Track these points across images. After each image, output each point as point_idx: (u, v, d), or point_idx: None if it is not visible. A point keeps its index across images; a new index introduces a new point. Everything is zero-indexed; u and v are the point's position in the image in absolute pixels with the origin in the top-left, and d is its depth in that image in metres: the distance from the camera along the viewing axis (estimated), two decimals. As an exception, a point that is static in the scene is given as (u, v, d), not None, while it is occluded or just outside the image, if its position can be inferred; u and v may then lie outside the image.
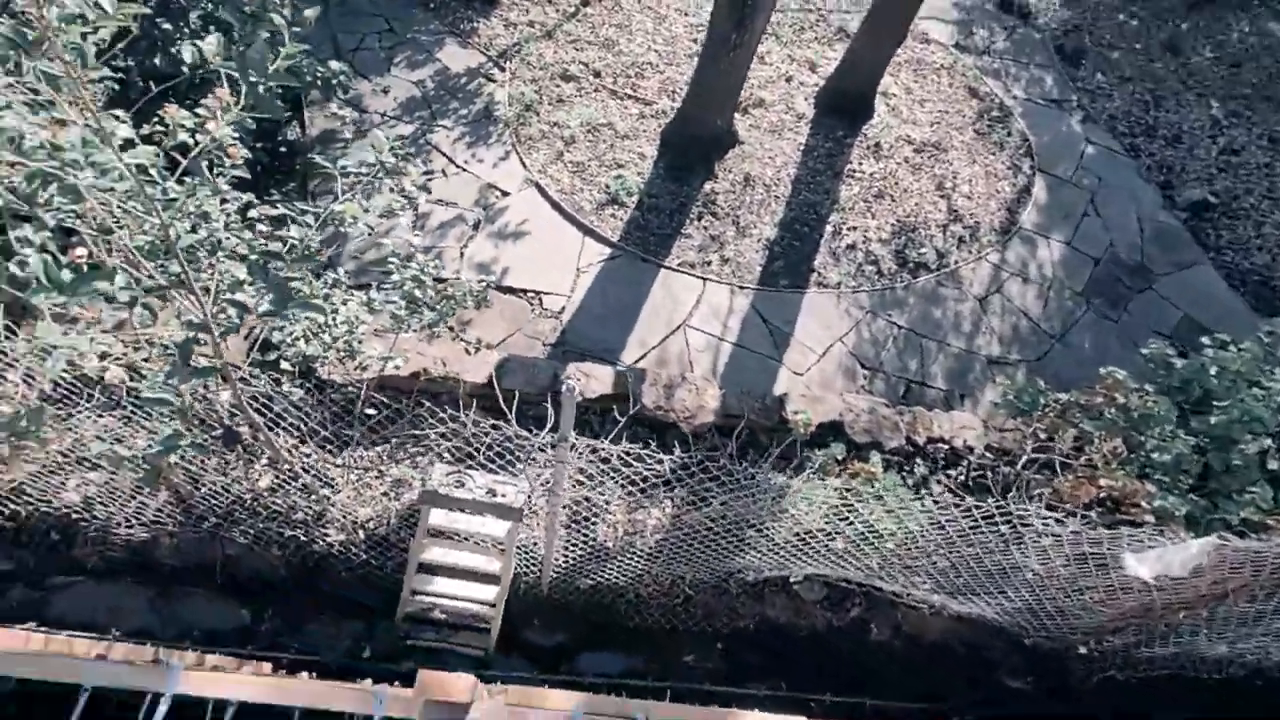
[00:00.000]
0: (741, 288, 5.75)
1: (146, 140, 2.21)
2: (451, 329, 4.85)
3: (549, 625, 4.06)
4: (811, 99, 7.08)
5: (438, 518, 3.06)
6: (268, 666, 2.66)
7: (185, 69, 1.66)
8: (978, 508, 2.69)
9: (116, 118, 2.21)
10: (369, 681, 2.12)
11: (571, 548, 3.68)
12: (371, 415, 3.69)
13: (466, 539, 3.26)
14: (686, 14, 7.83)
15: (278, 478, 3.69)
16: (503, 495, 2.71)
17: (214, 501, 3.67)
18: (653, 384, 4.40)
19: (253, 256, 2.29)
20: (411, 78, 6.85)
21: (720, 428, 4.41)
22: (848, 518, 3.41)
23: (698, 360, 5.34)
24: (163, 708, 1.70)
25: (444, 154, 6.30)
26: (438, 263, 5.12)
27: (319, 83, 4.88)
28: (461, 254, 5.67)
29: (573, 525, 3.66)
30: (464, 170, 6.19)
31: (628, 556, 3.78)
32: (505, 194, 6.11)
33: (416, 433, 3.59)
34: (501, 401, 2.83)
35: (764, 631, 3.98)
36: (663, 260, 5.83)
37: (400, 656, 3.89)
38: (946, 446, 4.23)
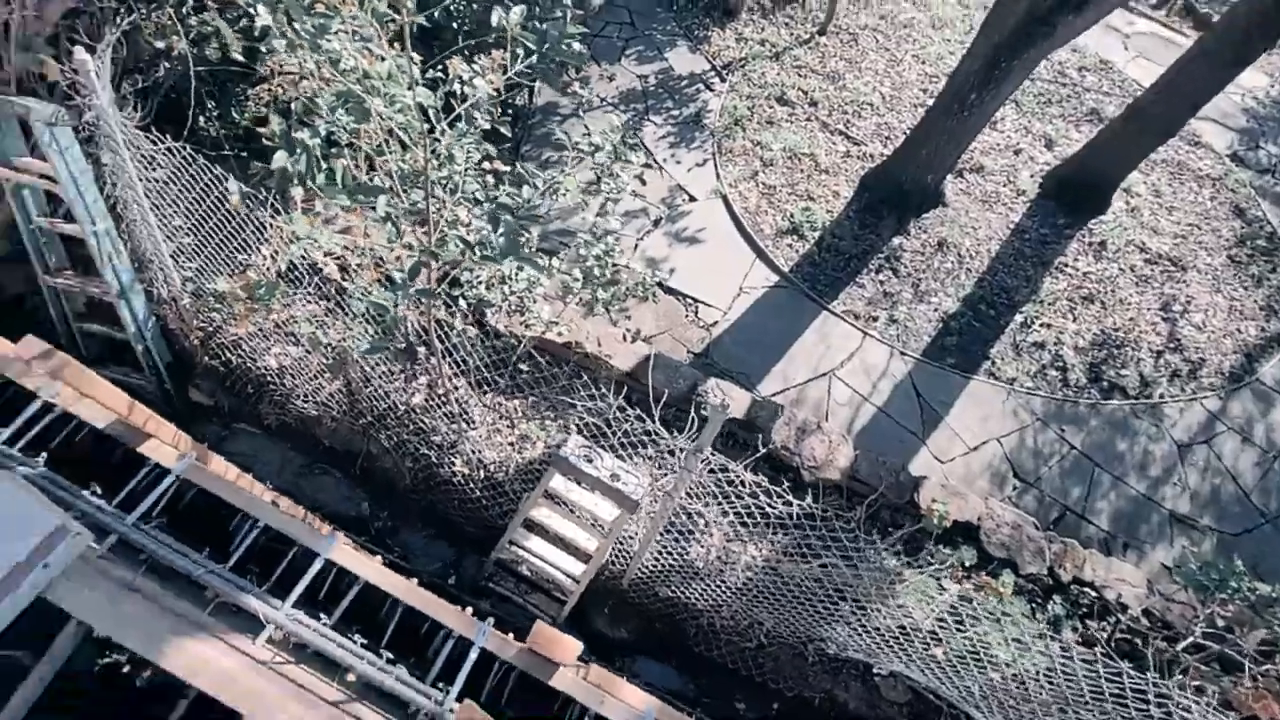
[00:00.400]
0: (903, 353, 5.44)
1: (430, 85, 2.51)
2: (607, 310, 5.04)
3: (618, 619, 4.11)
4: (1038, 177, 6.52)
5: (558, 484, 3.20)
6: (378, 559, 2.93)
7: (490, 31, 1.87)
8: (1130, 675, 2.34)
9: (411, 59, 2.53)
10: (469, 610, 2.26)
11: (663, 555, 3.69)
12: (523, 371, 3.93)
13: (575, 511, 3.38)
14: (924, 63, 7.52)
15: (429, 399, 4.05)
16: (624, 483, 2.78)
17: (374, 402, 4.10)
18: (786, 422, 4.29)
19: (487, 205, 2.53)
20: (637, 70, 7.19)
21: (842, 487, 4.21)
22: (959, 629, 3.12)
23: (835, 412, 5.13)
24: (316, 565, 1.93)
25: (647, 148, 6.54)
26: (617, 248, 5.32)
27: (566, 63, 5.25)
28: (636, 245, 5.86)
29: (671, 533, 3.67)
30: (660, 168, 6.39)
31: (713, 583, 3.72)
32: (692, 199, 6.23)
33: (566, 399, 3.77)
34: (651, 398, 2.90)
35: (829, 711, 3.76)
36: (828, 303, 5.66)
37: (479, 593, 4.13)
38: (1095, 594, 3.74)
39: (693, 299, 5.57)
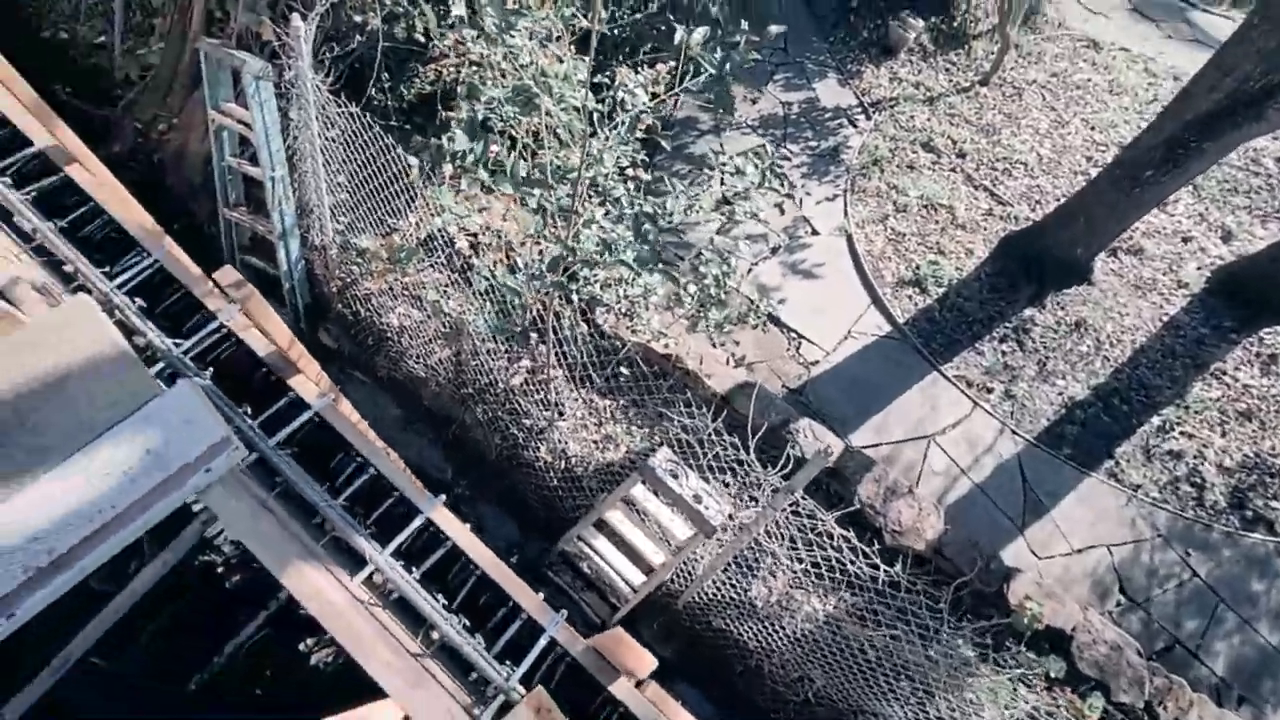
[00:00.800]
0: (1015, 433, 5.07)
1: (595, 88, 2.61)
2: (713, 329, 5.04)
3: (665, 638, 4.07)
4: (1206, 271, 5.90)
5: (638, 492, 3.22)
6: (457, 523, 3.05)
7: (666, 44, 1.92)
8: None
9: (584, 62, 2.65)
10: (542, 597, 2.31)
11: (725, 586, 3.63)
12: (621, 374, 3.99)
13: (647, 521, 3.39)
14: (1094, 129, 7.01)
15: (528, 383, 4.19)
16: (706, 507, 2.76)
17: (477, 376, 4.30)
18: (875, 479, 4.11)
19: (629, 210, 2.60)
20: (782, 96, 7.15)
21: (925, 560, 3.98)
22: (1031, 744, 2.86)
23: (929, 479, 4.85)
24: (417, 521, 2.05)
25: (784, 176, 6.48)
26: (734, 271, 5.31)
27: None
28: (750, 269, 5.81)
29: (736, 566, 3.60)
30: (788, 197, 6.31)
31: (770, 626, 3.61)
32: (815, 233, 6.11)
33: (660, 409, 3.80)
34: (750, 428, 2.86)
35: (865, 789, 3.55)
36: (940, 364, 5.37)
37: (537, 579, 4.22)
38: (1199, 745, 3.31)
39: (797, 333, 5.45)
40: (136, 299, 2.13)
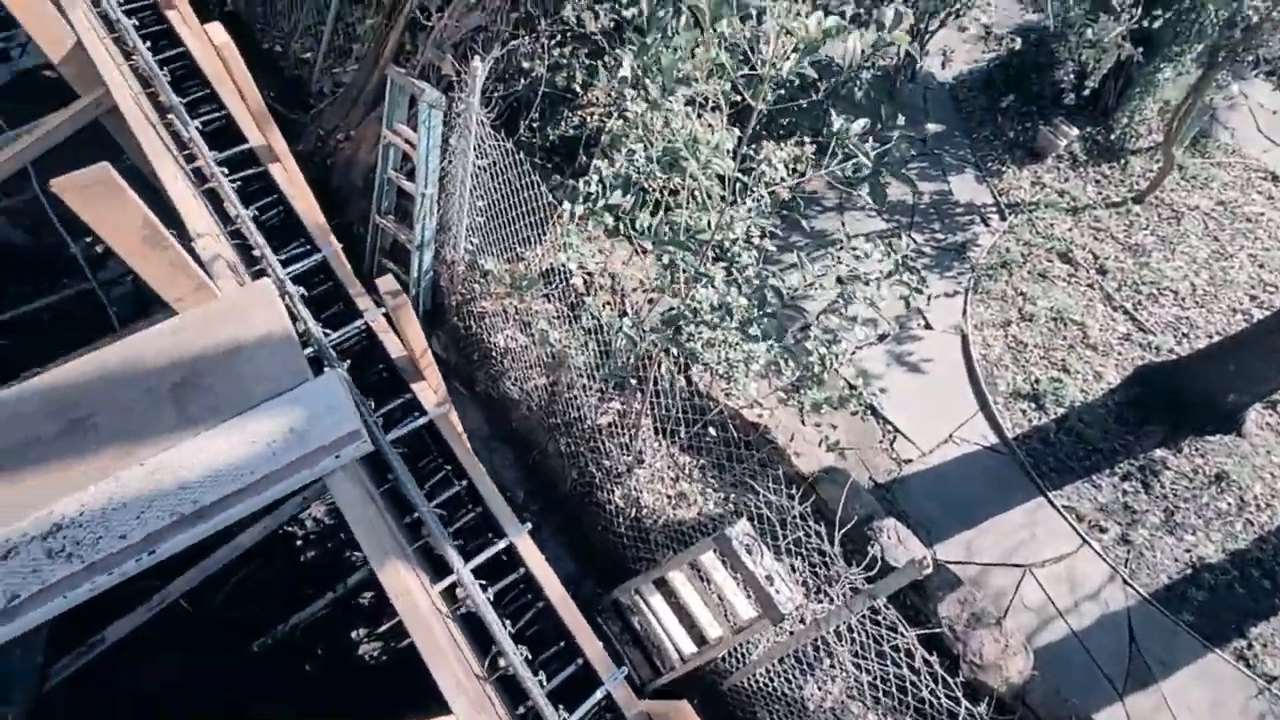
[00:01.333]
0: (1128, 583, 4.55)
1: (738, 156, 2.70)
2: (811, 408, 4.93)
3: (706, 713, 3.88)
4: (1387, 446, 5.15)
5: (707, 559, 3.15)
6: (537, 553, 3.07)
7: (827, 133, 1.99)
8: None
9: (737, 135, 2.75)
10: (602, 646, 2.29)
11: (777, 677, 3.43)
12: (708, 434, 3.96)
13: (711, 589, 3.29)
14: (1263, 266, 6.41)
15: (614, 425, 4.25)
16: (778, 590, 2.65)
17: (568, 408, 4.41)
18: (960, 601, 3.80)
19: (754, 278, 2.64)
20: (915, 182, 7.06)
21: (1002, 703, 3.59)
22: None
23: (1018, 613, 4.42)
24: (502, 544, 2.11)
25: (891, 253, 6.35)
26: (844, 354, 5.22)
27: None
28: (853, 352, 5.67)
29: (794, 660, 3.41)
30: (918, 292, 6.12)
31: (819, 733, 3.36)
32: (928, 327, 5.89)
33: (743, 477, 3.74)
34: (838, 522, 2.74)
35: None
36: (1049, 489, 4.95)
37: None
38: None
39: (894, 426, 5.22)
40: (300, 286, 2.38)
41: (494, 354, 4.85)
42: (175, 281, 1.67)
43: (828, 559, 2.64)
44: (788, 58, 1.76)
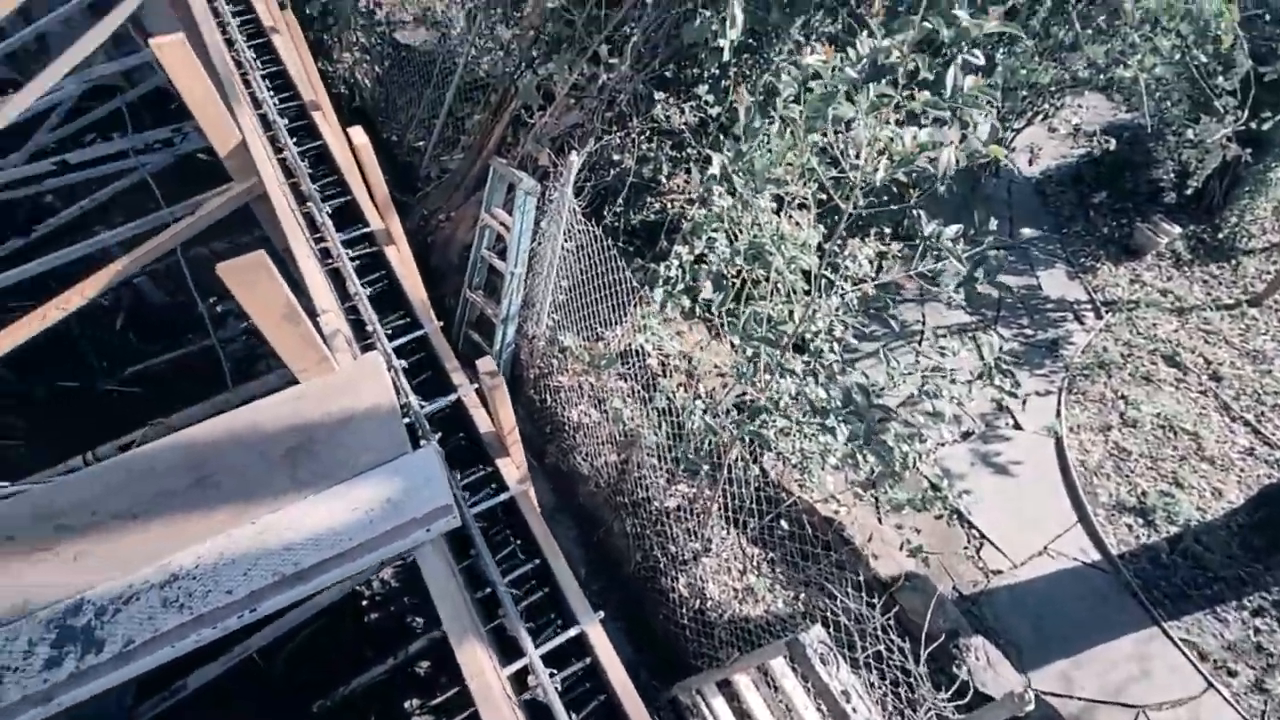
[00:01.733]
0: (1268, 740, 3.92)
1: (825, 253, 2.75)
2: (886, 506, 4.70)
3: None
4: None
5: (777, 665, 2.97)
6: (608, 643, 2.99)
7: (919, 236, 2.02)
8: None
9: (822, 232, 2.82)
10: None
11: (849, 807, 3.10)
12: (780, 527, 3.83)
13: (780, 701, 3.08)
14: None
15: (681, 509, 4.18)
16: (854, 709, 2.45)
17: (636, 488, 4.39)
18: (1061, 741, 3.37)
19: (836, 371, 2.62)
20: (1000, 278, 6.88)
21: None
22: None
23: (1132, 763, 3.87)
24: (572, 632, 2.09)
25: (981, 355, 6.11)
26: (928, 452, 5.01)
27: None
28: (934, 449, 5.41)
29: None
30: (1012, 395, 5.86)
31: None
32: (1017, 427, 5.57)
33: (821, 582, 3.57)
34: (924, 639, 2.54)
35: None
36: (1164, 619, 4.42)
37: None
38: None
39: (980, 534, 4.87)
40: (402, 360, 2.55)
41: (567, 428, 4.94)
42: (303, 354, 1.84)
43: (912, 679, 2.43)
44: (879, 168, 1.82)
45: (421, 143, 8.30)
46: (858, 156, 2.11)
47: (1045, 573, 4.70)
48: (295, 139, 3.40)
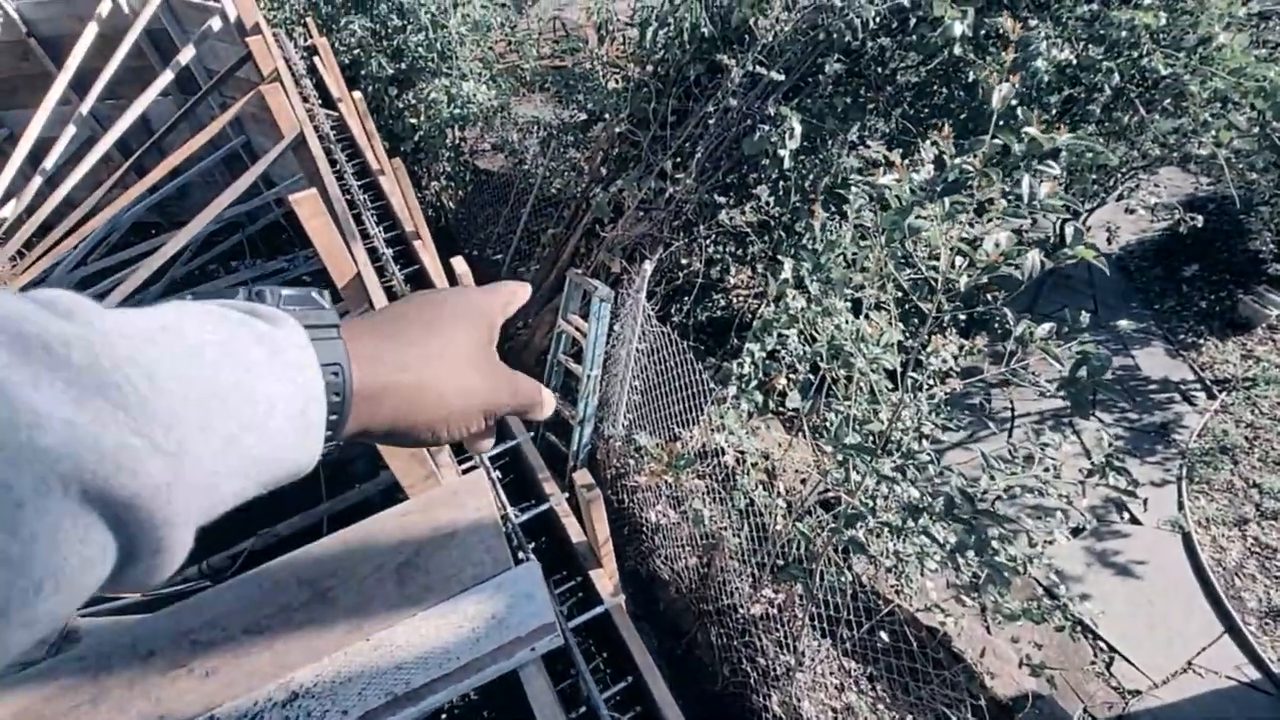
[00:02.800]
0: None
1: (904, 360, 2.74)
2: (983, 607, 4.31)
3: None
4: None
5: (891, 801, 2.67)
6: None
7: (1009, 340, 2.00)
8: None
9: (900, 327, 2.82)
10: None
11: None
12: (880, 638, 3.57)
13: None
14: None
15: (768, 616, 3.98)
16: None
17: (720, 594, 4.23)
18: None
19: (937, 479, 2.53)
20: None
21: None
22: None
23: None
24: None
25: (1083, 443, 5.72)
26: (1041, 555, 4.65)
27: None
28: (1043, 549, 4.97)
29: None
30: (1130, 495, 5.46)
31: None
32: (1134, 521, 5.09)
33: (939, 705, 3.26)
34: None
35: None
36: (1357, 754, 3.73)
37: None
38: None
39: (1109, 648, 4.35)
40: (497, 470, 2.66)
41: (644, 530, 4.88)
42: (411, 470, 1.95)
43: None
44: (962, 274, 1.85)
45: (499, 256, 8.97)
46: (936, 259, 2.14)
47: (1194, 693, 4.11)
48: (399, 264, 3.77)
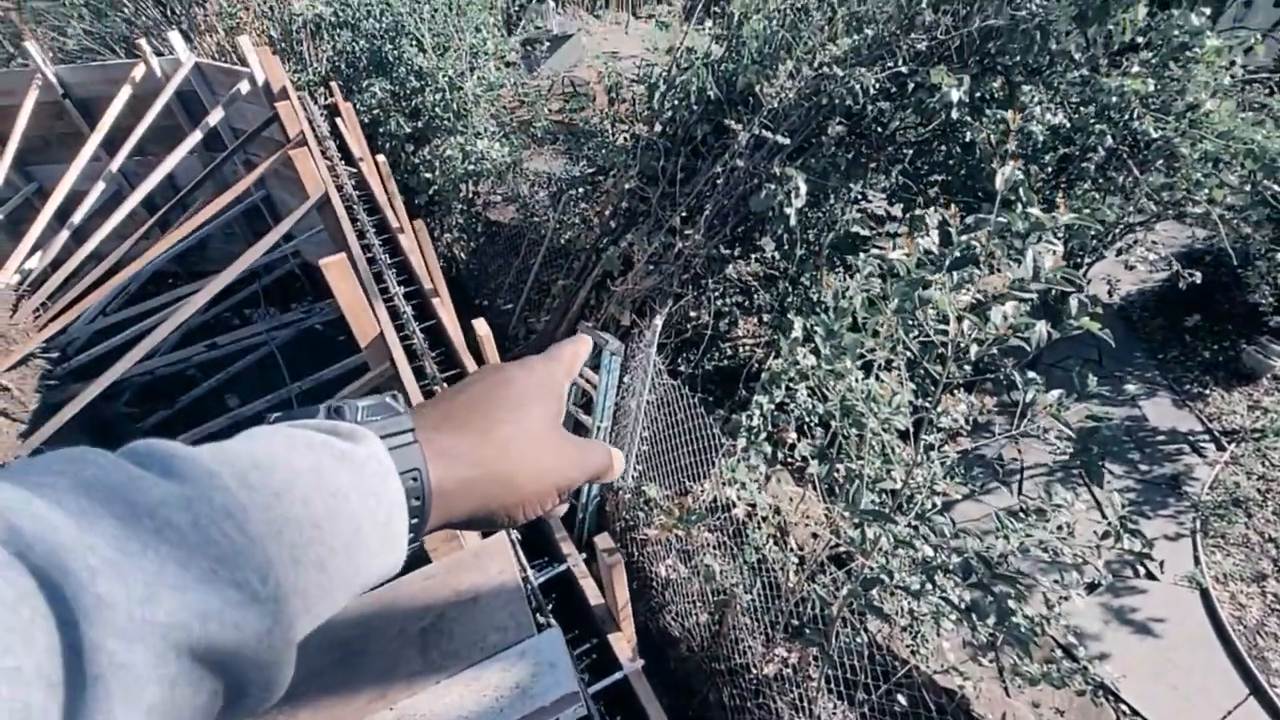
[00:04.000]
0: None
1: (915, 420, 2.78)
2: (1003, 670, 4.22)
3: None
4: None
5: None
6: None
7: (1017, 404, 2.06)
8: None
9: (910, 387, 2.88)
10: None
11: None
12: (896, 702, 3.49)
13: None
14: None
15: (781, 676, 3.90)
16: None
17: (732, 652, 4.16)
18: None
19: (952, 540, 2.55)
20: (1098, 410, 6.55)
21: None
22: None
23: None
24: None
25: (1094, 495, 5.69)
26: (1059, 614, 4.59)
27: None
28: (1052, 605, 4.89)
29: None
30: (1146, 557, 5.41)
31: None
32: (1150, 577, 5.02)
33: None
34: None
35: None
36: (1398, 827, 3.59)
37: None
38: None
39: (1131, 709, 4.24)
40: (515, 531, 2.69)
41: (654, 584, 4.83)
42: (434, 533, 1.97)
43: None
44: (971, 344, 1.92)
45: (510, 306, 9.12)
46: (946, 322, 2.22)
47: (1224, 761, 3.98)
48: (418, 321, 3.87)
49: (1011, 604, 2.83)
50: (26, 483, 0.33)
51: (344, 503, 0.44)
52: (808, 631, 3.09)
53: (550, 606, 2.50)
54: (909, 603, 3.58)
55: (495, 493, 0.55)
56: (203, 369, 8.07)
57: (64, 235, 6.71)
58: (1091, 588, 4.98)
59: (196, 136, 6.92)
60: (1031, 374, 2.24)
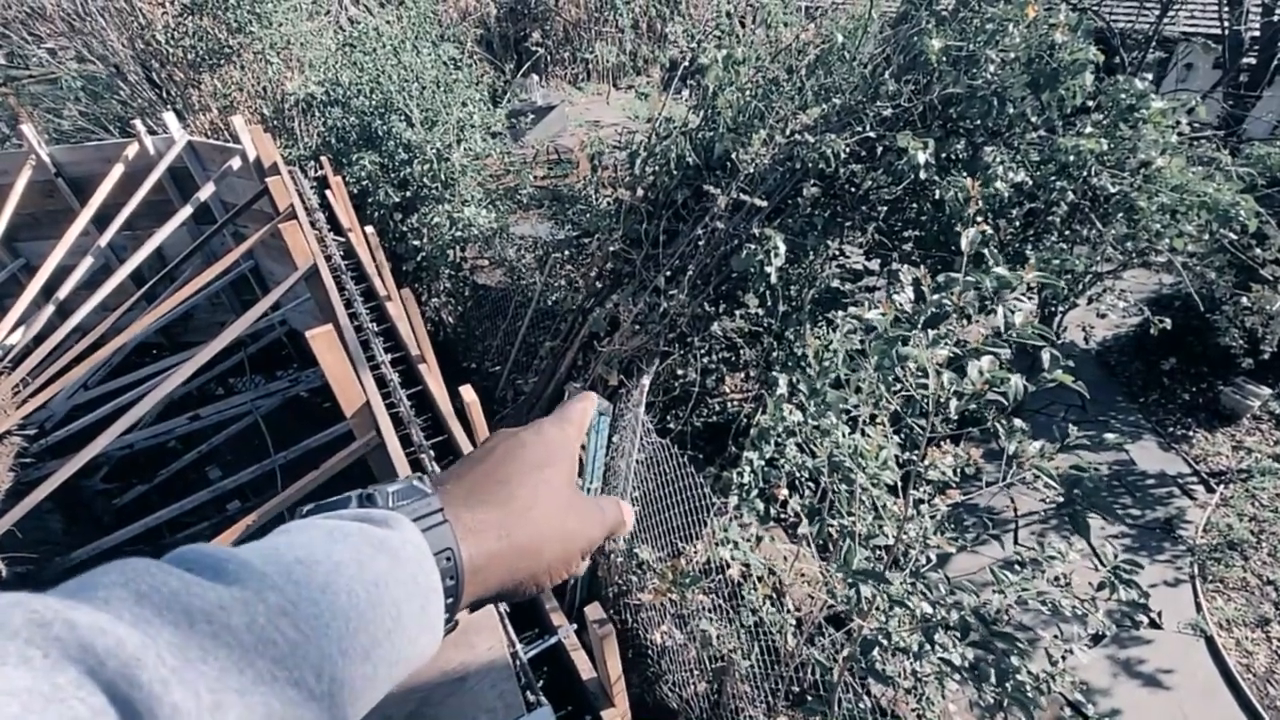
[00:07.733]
0: None
1: (904, 474, 2.80)
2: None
3: None
4: None
5: None
6: None
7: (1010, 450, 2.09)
8: None
9: (895, 440, 2.90)
10: None
11: None
12: (905, 770, 3.34)
13: None
14: None
15: (787, 747, 3.74)
16: None
17: (733, 716, 4.00)
18: None
19: (948, 594, 2.51)
20: (1086, 457, 6.59)
21: None
22: None
23: None
24: None
25: (1091, 544, 5.64)
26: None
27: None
28: (1056, 661, 4.78)
29: None
30: (1144, 609, 5.36)
31: None
32: (1155, 626, 4.94)
33: None
34: None
35: None
36: None
37: None
38: None
39: (1149, 767, 4.09)
40: (503, 604, 2.61)
41: (649, 652, 4.67)
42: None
43: None
44: (951, 398, 1.96)
45: (497, 368, 9.13)
46: (925, 378, 2.26)
47: (1249, 822, 3.82)
48: (405, 387, 3.86)
49: (1014, 660, 2.77)
50: (91, 599, 0.34)
51: (384, 591, 0.45)
52: (809, 699, 2.98)
53: (541, 683, 2.40)
54: (911, 664, 3.49)
55: (523, 564, 0.56)
56: (184, 440, 7.92)
57: (49, 310, 6.70)
58: (1096, 639, 4.88)
59: (187, 211, 7.04)
60: (1017, 422, 2.27)
